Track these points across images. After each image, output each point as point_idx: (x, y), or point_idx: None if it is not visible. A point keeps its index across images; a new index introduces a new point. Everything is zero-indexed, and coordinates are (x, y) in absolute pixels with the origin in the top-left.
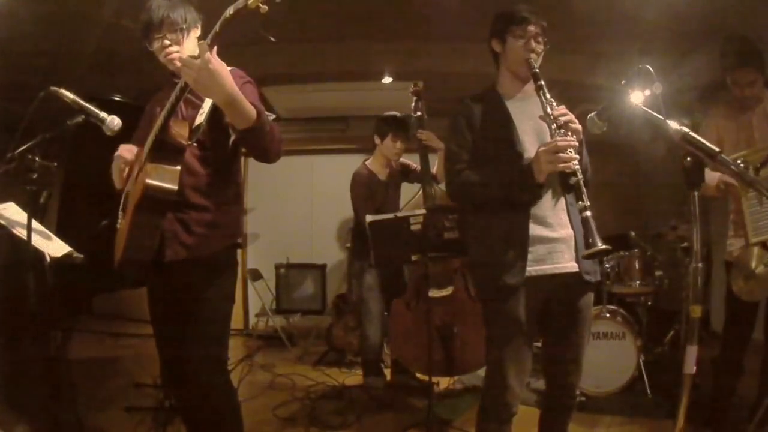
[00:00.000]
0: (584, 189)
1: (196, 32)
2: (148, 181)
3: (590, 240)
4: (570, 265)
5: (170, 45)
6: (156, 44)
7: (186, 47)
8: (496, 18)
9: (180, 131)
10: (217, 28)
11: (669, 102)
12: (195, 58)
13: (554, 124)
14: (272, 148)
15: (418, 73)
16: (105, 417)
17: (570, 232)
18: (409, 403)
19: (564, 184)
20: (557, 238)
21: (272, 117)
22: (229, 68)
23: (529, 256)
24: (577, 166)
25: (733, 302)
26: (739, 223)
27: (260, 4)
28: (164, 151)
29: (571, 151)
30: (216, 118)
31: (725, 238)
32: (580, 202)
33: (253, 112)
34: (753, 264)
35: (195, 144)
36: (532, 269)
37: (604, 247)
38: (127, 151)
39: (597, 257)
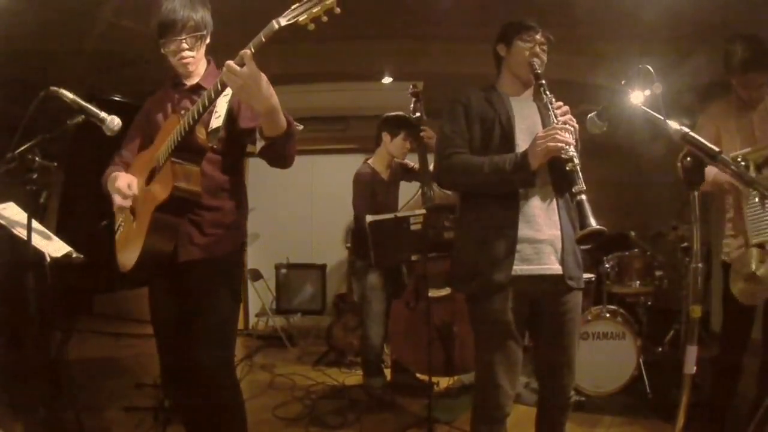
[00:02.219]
0: (580, 175)
1: (208, 39)
2: (177, 183)
3: (584, 222)
4: (555, 267)
5: (188, 49)
6: (173, 46)
7: (200, 53)
8: (506, 26)
9: (199, 134)
10: (263, 38)
11: (669, 102)
12: (240, 65)
13: (554, 119)
14: (291, 156)
15: (418, 73)
16: (105, 417)
17: (557, 233)
18: (409, 403)
19: (556, 181)
20: (544, 239)
21: (300, 128)
22: None
23: (516, 256)
24: (573, 153)
25: (731, 303)
26: (736, 223)
27: (309, 23)
28: (189, 152)
29: (567, 138)
30: (229, 122)
31: (723, 237)
32: (575, 186)
33: (284, 121)
34: (753, 266)
35: (214, 146)
36: (518, 268)
37: (597, 227)
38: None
39: (591, 240)
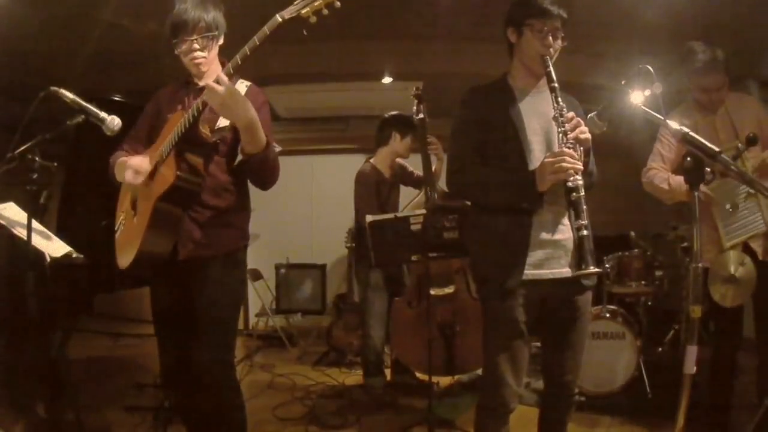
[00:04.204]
0: (584, 206)
1: (221, 40)
2: (180, 173)
3: (582, 261)
4: (566, 271)
5: (200, 49)
6: (185, 46)
7: (212, 53)
8: (515, 5)
9: (203, 129)
10: (267, 30)
11: (669, 102)
12: (218, 83)
13: (563, 134)
14: (269, 178)
15: (418, 73)
16: (105, 417)
17: (569, 235)
18: (409, 403)
19: (568, 190)
20: (557, 241)
21: (278, 149)
22: (247, 83)
23: (528, 261)
24: (580, 182)
25: (717, 305)
26: (706, 229)
27: (311, 15)
28: (192, 145)
29: (575, 165)
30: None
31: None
32: (578, 220)
33: (263, 140)
34: (731, 268)
35: (218, 141)
36: (529, 273)
37: (594, 270)
38: (140, 171)
39: (587, 279)
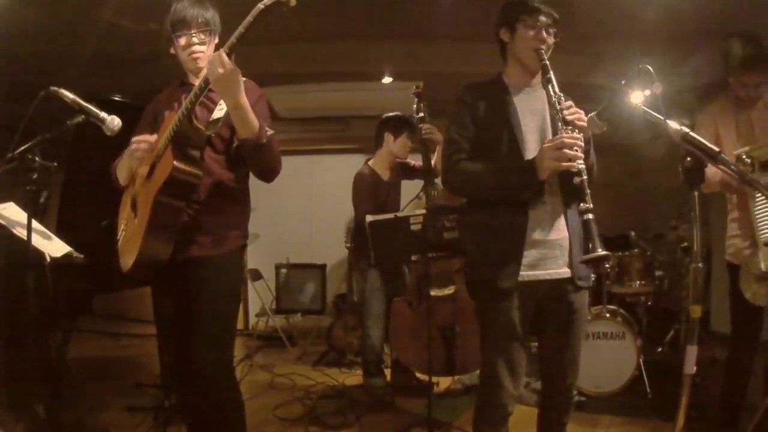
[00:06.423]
0: (587, 190)
1: (216, 38)
2: (178, 164)
3: (590, 245)
4: (563, 271)
5: (198, 44)
6: (184, 41)
7: (209, 50)
8: (506, 6)
9: (198, 123)
10: (251, 18)
11: (669, 102)
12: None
13: (561, 121)
14: (268, 166)
15: (418, 73)
16: (105, 417)
17: (565, 234)
18: (409, 403)
19: (564, 185)
20: (552, 241)
21: (270, 132)
22: (243, 79)
23: (523, 261)
24: (582, 166)
25: (739, 303)
26: (742, 223)
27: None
28: (188, 138)
29: (576, 149)
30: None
31: (727, 238)
32: (582, 204)
33: (256, 123)
34: (763, 265)
35: (214, 136)
36: (524, 274)
37: (603, 253)
38: (143, 141)
39: (596, 264)
